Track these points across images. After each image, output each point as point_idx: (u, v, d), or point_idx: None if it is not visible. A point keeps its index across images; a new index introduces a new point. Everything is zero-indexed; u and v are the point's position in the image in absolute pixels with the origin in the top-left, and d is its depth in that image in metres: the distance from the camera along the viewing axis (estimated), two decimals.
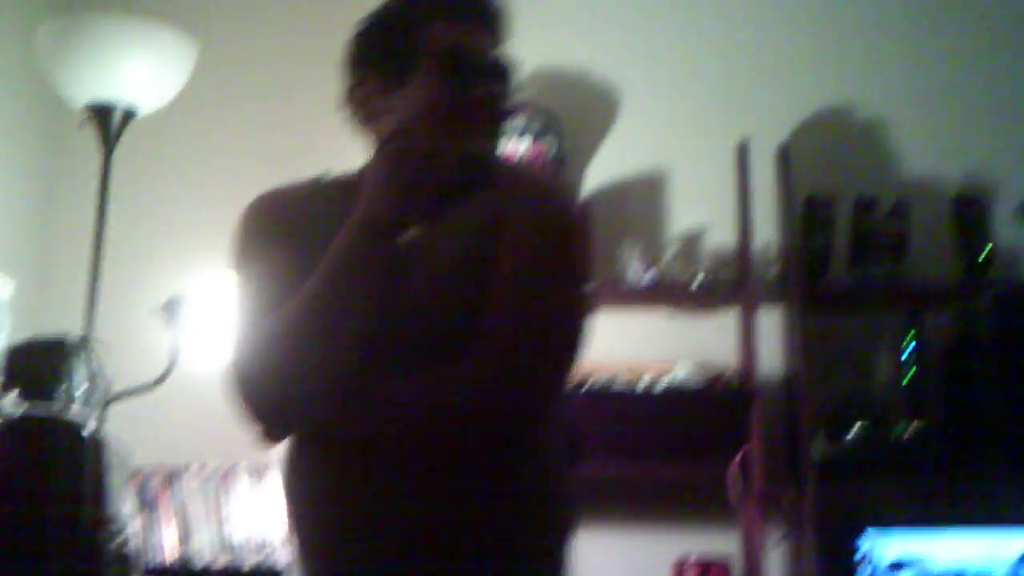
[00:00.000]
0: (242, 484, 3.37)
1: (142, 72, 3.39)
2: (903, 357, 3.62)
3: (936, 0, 4.15)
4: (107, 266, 3.39)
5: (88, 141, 3.42)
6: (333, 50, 3.89)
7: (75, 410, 2.84)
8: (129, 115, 3.41)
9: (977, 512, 3.48)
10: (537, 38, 4.03)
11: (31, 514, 2.52)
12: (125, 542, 2.78)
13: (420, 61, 1.89)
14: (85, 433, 2.71)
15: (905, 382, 3.61)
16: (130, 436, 3.00)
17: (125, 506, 2.94)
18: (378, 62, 1.95)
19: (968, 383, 3.54)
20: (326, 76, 3.86)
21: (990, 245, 3.69)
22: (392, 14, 1.97)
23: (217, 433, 3.46)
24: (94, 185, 3.43)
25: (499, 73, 1.95)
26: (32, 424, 2.64)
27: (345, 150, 3.67)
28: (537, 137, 3.84)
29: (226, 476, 3.35)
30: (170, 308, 3.45)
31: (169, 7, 3.83)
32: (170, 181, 3.90)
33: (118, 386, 3.23)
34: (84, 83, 3.37)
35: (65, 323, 3.23)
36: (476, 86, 1.88)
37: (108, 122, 3.39)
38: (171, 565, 3.24)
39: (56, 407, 2.80)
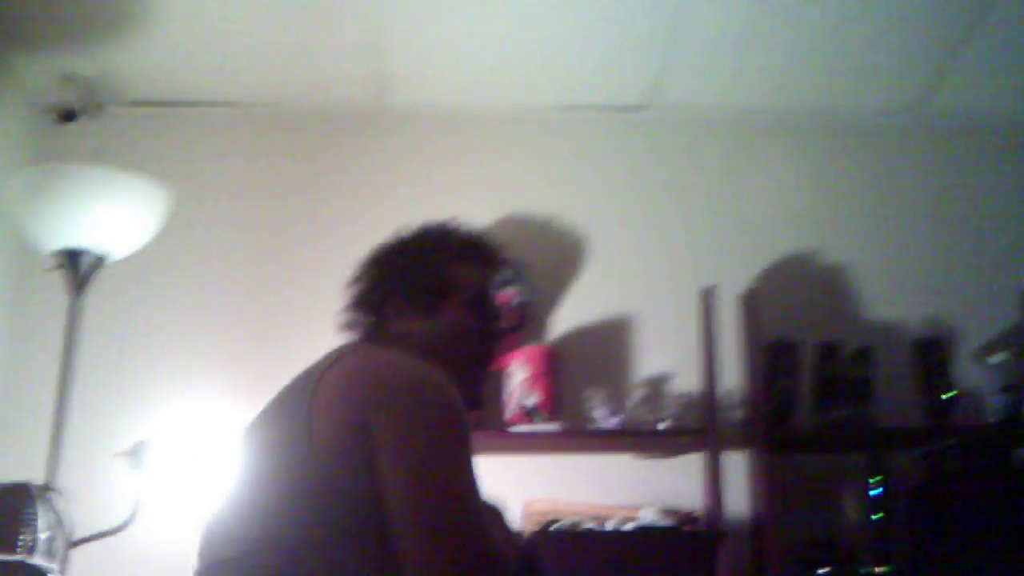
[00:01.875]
0: None
1: (113, 220, 3.43)
2: (869, 499, 3.64)
3: (899, 151, 4.27)
4: (72, 410, 3.40)
5: (56, 285, 3.45)
6: (302, 199, 4.05)
7: (38, 557, 2.82)
8: (99, 260, 3.45)
9: None
10: (505, 185, 4.14)
11: None
12: None
13: (454, 295, 2.26)
14: None
15: (872, 524, 3.62)
16: None
17: None
18: (411, 290, 2.27)
19: (934, 525, 3.54)
20: (296, 224, 4.03)
21: (953, 388, 3.73)
22: (423, 250, 2.34)
23: None
24: (60, 328, 3.45)
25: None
26: None
27: (312, 296, 3.83)
28: (505, 284, 3.88)
29: None
30: (135, 454, 3.45)
31: (142, 157, 3.91)
32: (138, 326, 3.91)
33: (81, 532, 3.23)
34: (55, 230, 3.40)
35: (28, 467, 3.23)
36: (495, 321, 2.29)
37: (77, 267, 3.42)
38: None
39: (19, 554, 2.78)
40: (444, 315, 2.25)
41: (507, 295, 3.85)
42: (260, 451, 1.99)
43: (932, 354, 3.81)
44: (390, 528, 1.82)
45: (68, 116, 4.10)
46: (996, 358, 3.78)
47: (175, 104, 4.19)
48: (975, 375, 3.85)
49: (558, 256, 4.10)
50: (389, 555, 1.82)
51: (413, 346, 2.19)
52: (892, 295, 4.06)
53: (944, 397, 3.73)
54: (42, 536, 2.90)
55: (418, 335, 2.24)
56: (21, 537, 2.84)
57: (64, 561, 3.03)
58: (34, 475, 3.13)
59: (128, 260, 3.57)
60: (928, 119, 4.29)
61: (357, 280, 2.39)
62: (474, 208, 4.07)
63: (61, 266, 3.44)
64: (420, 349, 2.14)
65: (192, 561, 2.07)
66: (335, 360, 2.01)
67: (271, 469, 1.94)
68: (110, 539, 3.36)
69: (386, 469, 1.84)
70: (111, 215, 3.42)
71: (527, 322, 3.91)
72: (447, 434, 1.91)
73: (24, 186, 3.43)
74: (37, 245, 3.49)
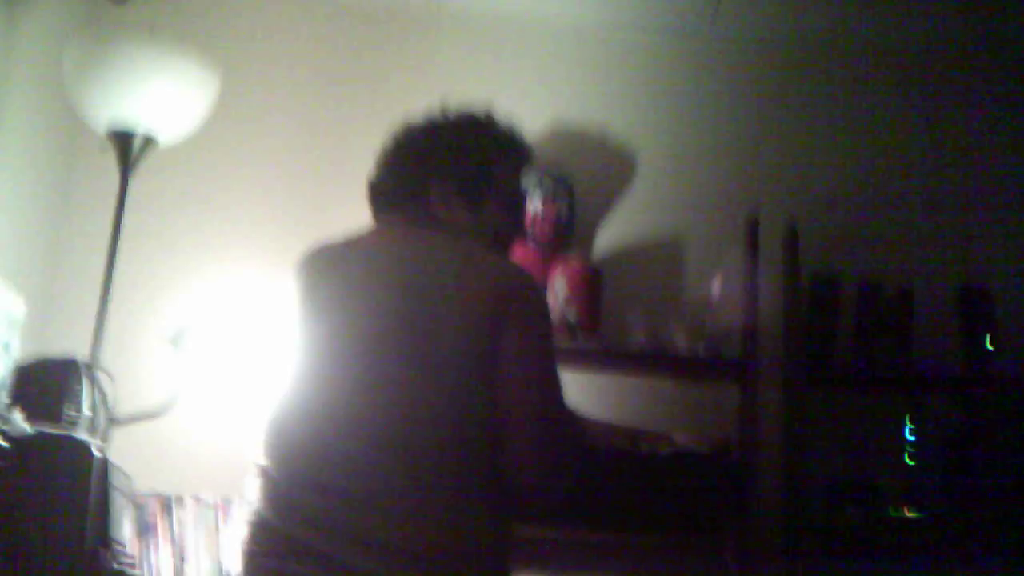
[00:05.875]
0: (237, 517, 3.35)
1: (164, 100, 3.40)
2: (903, 443, 3.64)
3: (957, 88, 4.21)
4: (117, 290, 3.39)
5: (106, 164, 3.43)
6: (355, 81, 4.03)
7: (81, 432, 2.82)
8: (149, 142, 3.42)
9: None
10: (556, 96, 4.10)
11: (38, 528, 2.49)
12: (128, 564, 2.76)
13: (495, 195, 2.40)
14: (95, 453, 2.69)
15: (905, 468, 3.62)
16: (129, 462, 2.97)
17: (127, 529, 2.92)
18: (459, 180, 2.39)
19: (967, 473, 3.55)
20: (344, 114, 3.99)
21: (995, 337, 3.71)
22: (470, 141, 2.45)
23: (215, 465, 3.48)
24: (109, 208, 3.43)
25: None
26: (42, 441, 2.61)
27: (357, 185, 3.79)
28: (548, 196, 3.85)
29: (224, 508, 3.33)
30: (177, 337, 3.44)
31: (193, 33, 3.88)
32: (185, 210, 3.92)
33: (122, 413, 3.23)
34: (106, 109, 3.38)
35: (71, 344, 3.22)
36: (521, 227, 2.59)
37: (128, 148, 3.40)
38: None
39: (63, 427, 2.78)
40: (485, 211, 2.39)
41: (552, 206, 3.83)
42: (392, 343, 2.14)
43: (976, 301, 3.78)
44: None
45: None
46: None
47: None
48: (1018, 326, 3.82)
49: (606, 173, 4.08)
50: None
51: (466, 238, 2.32)
52: (939, 238, 4.03)
53: (985, 345, 3.71)
54: (86, 412, 2.90)
55: (466, 227, 2.36)
56: (66, 411, 2.83)
57: (106, 440, 3.03)
58: (78, 351, 3.12)
59: (178, 143, 3.53)
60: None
61: (396, 156, 2.47)
62: (522, 116, 4.06)
63: (111, 147, 3.41)
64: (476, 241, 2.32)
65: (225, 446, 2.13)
66: (464, 261, 2.19)
67: (416, 361, 2.12)
68: (150, 422, 3.35)
69: (513, 362, 2.14)
70: (162, 95, 3.40)
71: (565, 237, 3.88)
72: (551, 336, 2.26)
73: (77, 64, 3.40)
74: (89, 124, 3.45)
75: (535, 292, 2.26)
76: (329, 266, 2.33)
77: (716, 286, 3.76)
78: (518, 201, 2.48)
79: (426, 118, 2.51)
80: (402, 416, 2.09)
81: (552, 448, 2.16)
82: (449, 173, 2.38)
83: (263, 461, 2.19)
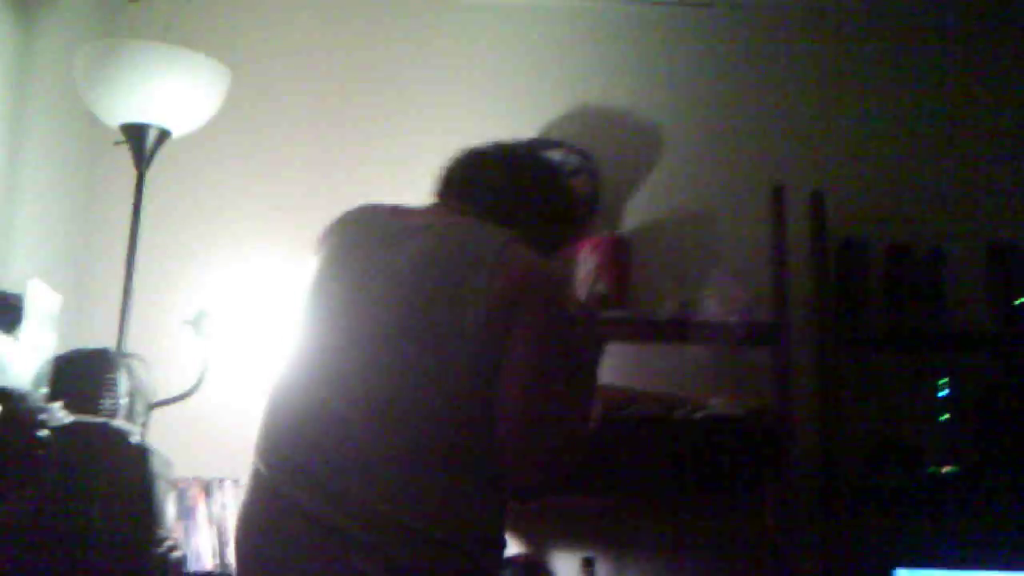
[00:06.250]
0: None
1: (177, 96, 3.44)
2: (937, 401, 3.64)
3: (982, 57, 4.20)
4: (139, 280, 3.42)
5: (125, 159, 3.47)
6: (364, 78, 4.06)
7: (119, 420, 2.86)
8: (163, 135, 3.46)
9: (1007, 555, 3.47)
10: (575, 76, 4.11)
11: (82, 516, 2.53)
12: (172, 548, 2.80)
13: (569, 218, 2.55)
14: (133, 440, 2.72)
15: (939, 425, 3.63)
16: (165, 448, 3.01)
17: (170, 513, 2.95)
18: (542, 216, 2.43)
19: (1002, 428, 3.55)
20: (356, 107, 4.03)
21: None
22: (551, 177, 2.55)
23: (249, 449, 3.52)
24: (130, 202, 3.47)
25: None
26: (82, 430, 2.65)
27: (370, 174, 3.84)
28: (572, 174, 3.86)
29: None
30: (198, 321, 3.49)
31: (204, 36, 3.92)
32: (201, 200, 3.99)
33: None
34: (120, 105, 3.42)
35: (98, 337, 3.26)
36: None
37: (142, 142, 3.43)
38: (212, 573, 3.24)
39: (102, 416, 2.82)
40: (541, 225, 2.42)
41: (577, 182, 3.84)
42: (417, 326, 2.15)
43: (1006, 260, 3.77)
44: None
45: None
46: None
47: None
48: None
49: (632, 147, 4.09)
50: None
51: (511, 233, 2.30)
52: (967, 199, 4.03)
53: (1017, 303, 3.70)
54: (123, 400, 2.93)
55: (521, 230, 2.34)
56: (103, 401, 2.87)
57: (145, 425, 3.07)
58: (105, 342, 3.17)
59: (192, 135, 3.57)
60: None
61: (476, 183, 2.44)
62: (542, 98, 4.10)
63: (127, 140, 3.45)
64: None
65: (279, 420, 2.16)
66: (497, 254, 2.18)
67: (439, 345, 2.13)
68: (177, 404, 3.41)
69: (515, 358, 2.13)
70: (175, 91, 3.43)
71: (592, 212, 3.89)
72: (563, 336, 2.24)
73: (91, 61, 3.44)
74: (104, 119, 3.49)
75: (552, 289, 2.25)
76: (366, 229, 2.33)
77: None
78: (587, 217, 2.70)
79: (503, 149, 2.54)
80: (409, 393, 2.09)
81: (547, 454, 2.16)
82: (535, 210, 2.43)
83: (265, 417, 2.22)
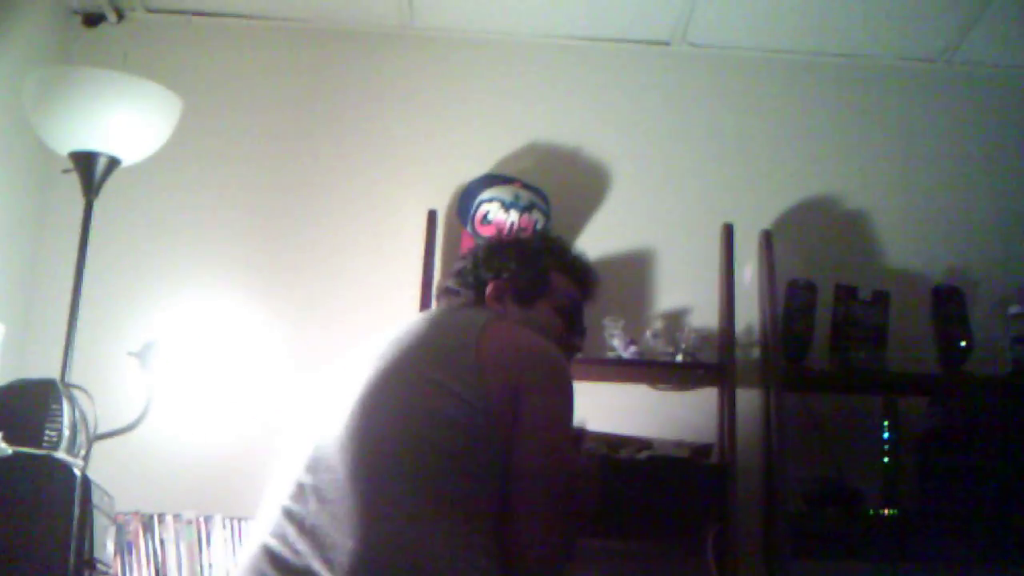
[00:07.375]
0: (218, 535, 3.37)
1: (127, 124, 3.42)
2: (880, 442, 3.67)
3: (925, 99, 4.26)
4: (85, 311, 3.40)
5: (76, 189, 3.44)
6: (318, 116, 4.06)
7: (62, 452, 2.83)
8: (113, 163, 3.44)
9: None
10: (527, 113, 4.13)
11: (22, 550, 2.51)
12: None
13: (548, 297, 2.47)
14: (76, 473, 2.71)
15: (882, 467, 3.65)
16: (107, 481, 2.99)
17: (109, 548, 2.93)
18: (518, 281, 2.46)
19: (943, 471, 3.58)
20: (309, 139, 4.04)
21: (969, 337, 3.75)
22: (535, 252, 2.54)
23: (192, 484, 3.53)
24: (76, 230, 3.45)
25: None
26: (24, 462, 2.63)
27: (321, 205, 3.84)
28: (525, 211, 3.88)
29: (204, 526, 3.35)
30: (145, 353, 3.46)
31: (159, 64, 3.91)
32: (150, 229, 3.96)
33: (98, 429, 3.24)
34: (70, 132, 3.40)
35: (42, 367, 3.24)
36: (574, 335, 2.50)
37: (91, 170, 3.41)
38: None
39: (45, 448, 2.79)
40: (535, 309, 2.44)
41: (528, 220, 3.86)
42: (407, 390, 2.14)
43: (950, 302, 3.82)
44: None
45: (94, 20, 4.13)
46: (1013, 309, 3.78)
47: (200, 13, 4.18)
48: (991, 326, 3.87)
49: (581, 185, 4.10)
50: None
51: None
52: (912, 242, 4.08)
53: (959, 346, 3.74)
54: (66, 432, 2.91)
55: (516, 318, 2.40)
56: (46, 432, 2.85)
57: (87, 457, 3.04)
58: (49, 373, 3.14)
59: (142, 165, 3.55)
60: (954, 67, 4.28)
61: (464, 262, 2.54)
62: (495, 133, 4.12)
63: (76, 168, 3.43)
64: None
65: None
66: (485, 326, 2.20)
67: (431, 404, 2.10)
68: (121, 437, 3.37)
69: (527, 429, 2.10)
70: (125, 120, 3.41)
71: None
72: (570, 408, 2.21)
73: (40, 87, 3.42)
74: (53, 146, 3.48)
75: (554, 364, 2.22)
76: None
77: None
78: (576, 311, 2.52)
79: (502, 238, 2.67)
80: (390, 432, 2.10)
81: (558, 526, 2.13)
82: (507, 270, 2.46)
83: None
